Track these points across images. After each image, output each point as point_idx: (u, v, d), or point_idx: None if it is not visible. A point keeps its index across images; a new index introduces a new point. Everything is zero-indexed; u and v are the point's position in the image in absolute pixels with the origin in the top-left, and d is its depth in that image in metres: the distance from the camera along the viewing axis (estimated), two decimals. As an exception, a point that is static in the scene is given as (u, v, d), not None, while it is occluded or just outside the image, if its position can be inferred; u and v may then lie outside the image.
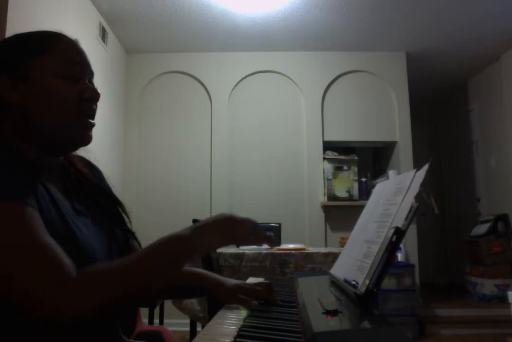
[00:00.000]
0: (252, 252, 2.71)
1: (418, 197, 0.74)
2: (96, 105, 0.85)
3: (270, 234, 3.33)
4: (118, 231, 0.89)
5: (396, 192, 0.81)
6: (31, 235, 0.63)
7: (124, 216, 0.93)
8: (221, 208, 3.96)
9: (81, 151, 0.90)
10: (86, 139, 0.82)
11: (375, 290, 0.66)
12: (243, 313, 0.69)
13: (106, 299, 0.62)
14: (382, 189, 0.97)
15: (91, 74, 0.85)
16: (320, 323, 0.62)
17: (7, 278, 0.60)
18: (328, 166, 3.98)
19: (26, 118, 0.78)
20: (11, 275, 0.60)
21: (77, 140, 0.82)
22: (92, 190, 0.89)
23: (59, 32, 0.84)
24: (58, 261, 0.62)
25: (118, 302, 0.63)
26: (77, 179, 0.88)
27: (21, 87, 0.77)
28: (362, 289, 0.68)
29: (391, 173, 4.06)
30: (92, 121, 0.83)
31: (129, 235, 0.92)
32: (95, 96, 0.82)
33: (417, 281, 3.72)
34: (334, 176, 3.97)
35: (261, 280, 1.20)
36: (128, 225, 0.93)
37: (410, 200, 0.73)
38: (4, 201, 0.64)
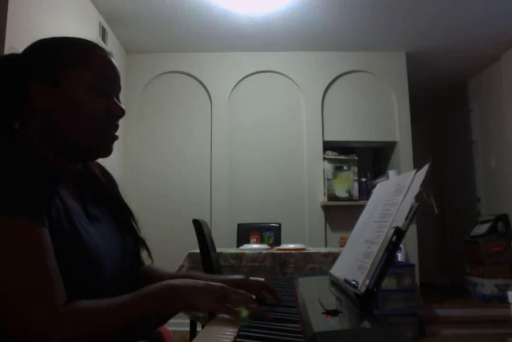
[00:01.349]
0: (252, 252, 2.71)
1: (418, 197, 0.74)
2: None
3: (270, 234, 3.33)
4: (129, 238, 0.90)
5: (396, 192, 0.81)
6: (33, 259, 0.62)
7: (133, 224, 0.93)
8: (221, 208, 3.97)
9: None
10: (106, 152, 0.83)
11: (375, 290, 0.66)
12: (243, 313, 0.69)
13: (89, 337, 0.61)
14: (382, 189, 0.98)
15: (120, 88, 0.86)
16: (320, 323, 0.62)
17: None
18: (328, 166, 3.98)
19: (50, 124, 0.78)
20: (3, 295, 0.60)
21: (98, 152, 0.83)
22: (105, 196, 0.90)
23: (96, 43, 0.84)
24: (51, 292, 0.62)
25: (102, 340, 0.63)
26: (92, 184, 0.89)
27: (51, 94, 0.77)
28: (362, 289, 0.68)
29: (391, 172, 4.06)
30: (116, 133, 0.84)
31: (140, 242, 0.93)
32: (122, 114, 0.83)
33: (417, 281, 3.72)
34: (334, 176, 3.97)
35: (261, 279, 1.20)
36: (138, 232, 0.93)
37: (410, 200, 0.73)
38: (18, 215, 0.63)
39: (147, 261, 0.99)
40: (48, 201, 0.69)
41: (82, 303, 0.64)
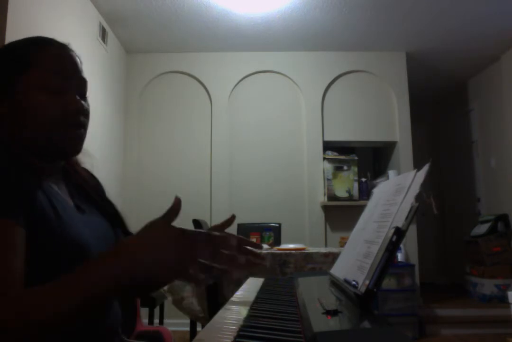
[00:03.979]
0: (252, 252, 2.71)
1: (418, 197, 0.74)
2: (87, 117, 0.83)
3: (270, 234, 3.33)
4: (119, 232, 0.91)
5: (396, 192, 0.81)
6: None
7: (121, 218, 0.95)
8: (221, 208, 3.97)
9: (85, 155, 0.91)
10: (72, 151, 0.82)
11: (375, 290, 0.66)
12: (243, 312, 0.69)
13: (34, 321, 0.56)
14: (382, 189, 0.98)
15: (81, 82, 0.83)
16: (320, 323, 0.62)
17: None
18: (328, 166, 3.98)
19: (14, 129, 0.78)
20: None
21: (64, 152, 0.82)
22: (92, 193, 0.91)
23: (48, 39, 0.83)
24: (6, 278, 0.60)
25: (49, 324, 0.57)
26: (78, 181, 0.91)
27: (6, 101, 0.78)
28: (362, 289, 0.68)
29: (391, 172, 4.06)
30: (80, 131, 0.82)
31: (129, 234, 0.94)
32: (80, 108, 0.80)
33: (417, 281, 3.72)
34: (334, 176, 3.97)
35: (261, 280, 1.20)
36: (126, 226, 0.95)
37: (410, 200, 0.73)
38: None
39: None
40: (26, 198, 0.69)
41: (29, 289, 0.60)
